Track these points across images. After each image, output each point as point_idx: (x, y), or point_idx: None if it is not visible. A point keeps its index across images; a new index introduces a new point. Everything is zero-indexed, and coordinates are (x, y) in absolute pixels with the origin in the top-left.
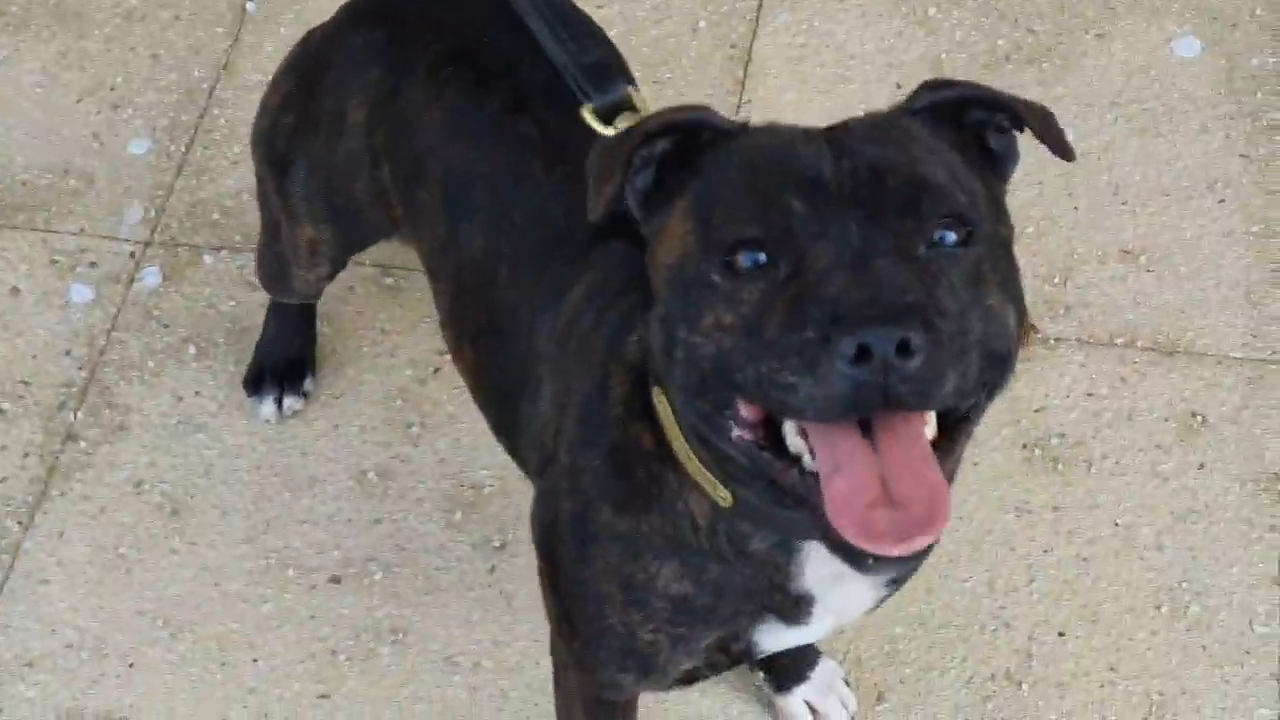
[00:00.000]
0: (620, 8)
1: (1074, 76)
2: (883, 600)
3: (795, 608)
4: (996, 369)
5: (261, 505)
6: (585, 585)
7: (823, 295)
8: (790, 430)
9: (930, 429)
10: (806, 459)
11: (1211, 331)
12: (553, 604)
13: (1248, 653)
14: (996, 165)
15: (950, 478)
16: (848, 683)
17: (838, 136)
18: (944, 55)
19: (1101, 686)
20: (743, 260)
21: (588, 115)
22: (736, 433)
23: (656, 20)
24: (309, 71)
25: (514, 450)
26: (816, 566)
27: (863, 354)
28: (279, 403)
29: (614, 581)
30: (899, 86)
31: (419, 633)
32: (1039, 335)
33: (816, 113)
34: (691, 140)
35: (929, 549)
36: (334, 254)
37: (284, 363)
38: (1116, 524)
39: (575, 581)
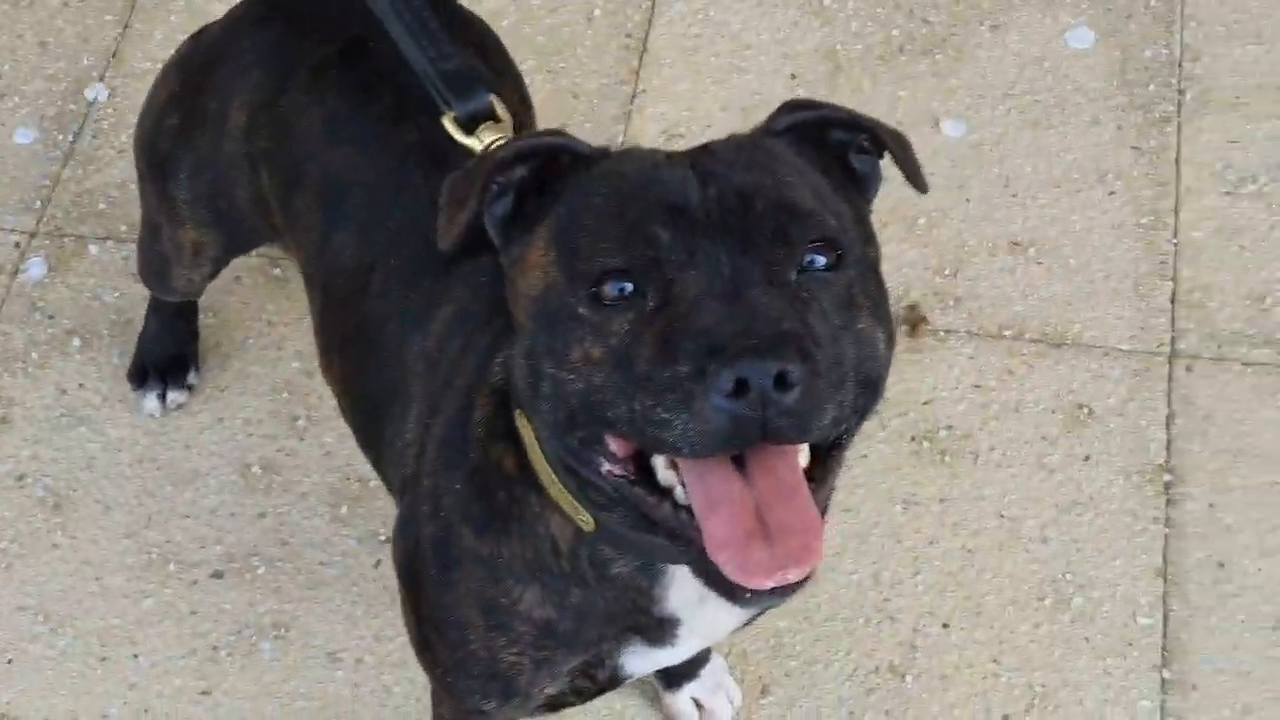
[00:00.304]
0: None
1: (968, 68)
2: (753, 619)
3: (660, 630)
4: (869, 394)
5: (144, 499)
6: (448, 610)
7: (695, 327)
8: (660, 463)
9: (804, 457)
10: (679, 491)
11: (1099, 324)
12: (415, 630)
13: (1130, 644)
14: (860, 186)
15: (824, 505)
16: (734, 678)
17: (702, 161)
18: (839, 46)
19: (985, 678)
20: (609, 290)
21: (448, 124)
22: (606, 468)
23: (551, 9)
24: (195, 71)
25: (378, 464)
26: (681, 589)
27: (740, 387)
28: (163, 397)
29: (476, 606)
30: (794, 77)
31: (301, 628)
32: (929, 327)
33: (711, 103)
34: (551, 166)
35: (804, 582)
36: (216, 255)
37: (166, 358)
38: (1002, 516)
39: (437, 606)
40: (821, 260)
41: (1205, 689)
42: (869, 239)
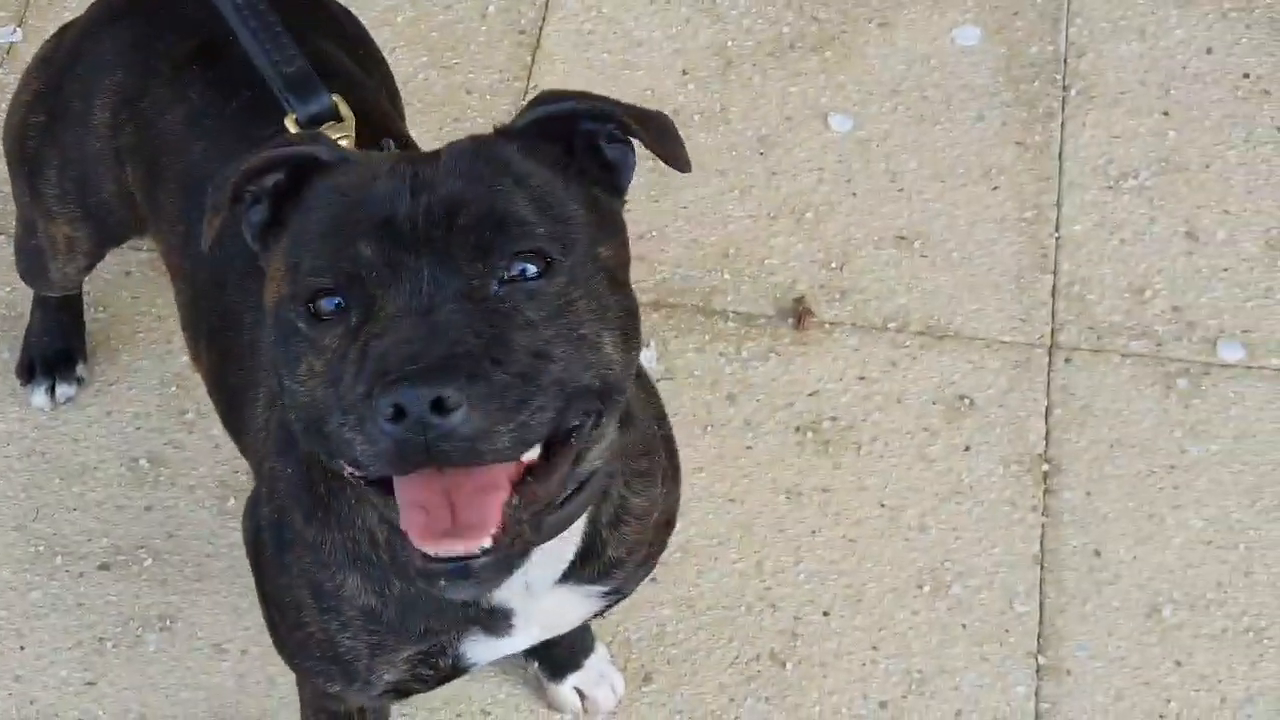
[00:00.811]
0: None
1: (856, 64)
2: (602, 611)
3: (494, 621)
4: (589, 399)
5: (32, 492)
6: (284, 591)
7: (377, 348)
8: None
9: (532, 450)
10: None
11: (981, 316)
12: (262, 609)
13: (1007, 631)
14: (613, 175)
15: (556, 492)
16: (617, 666)
17: (424, 169)
18: (730, 43)
19: (863, 665)
20: (324, 305)
21: (290, 125)
22: (347, 470)
23: (445, 5)
24: (58, 69)
25: (243, 451)
26: None
27: (399, 413)
28: (51, 391)
29: (307, 589)
30: (685, 73)
31: (187, 620)
32: (815, 320)
33: None
34: (306, 172)
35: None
36: (89, 249)
37: (53, 352)
38: (883, 505)
39: (276, 587)
40: (531, 269)
41: (1079, 675)
42: (608, 238)
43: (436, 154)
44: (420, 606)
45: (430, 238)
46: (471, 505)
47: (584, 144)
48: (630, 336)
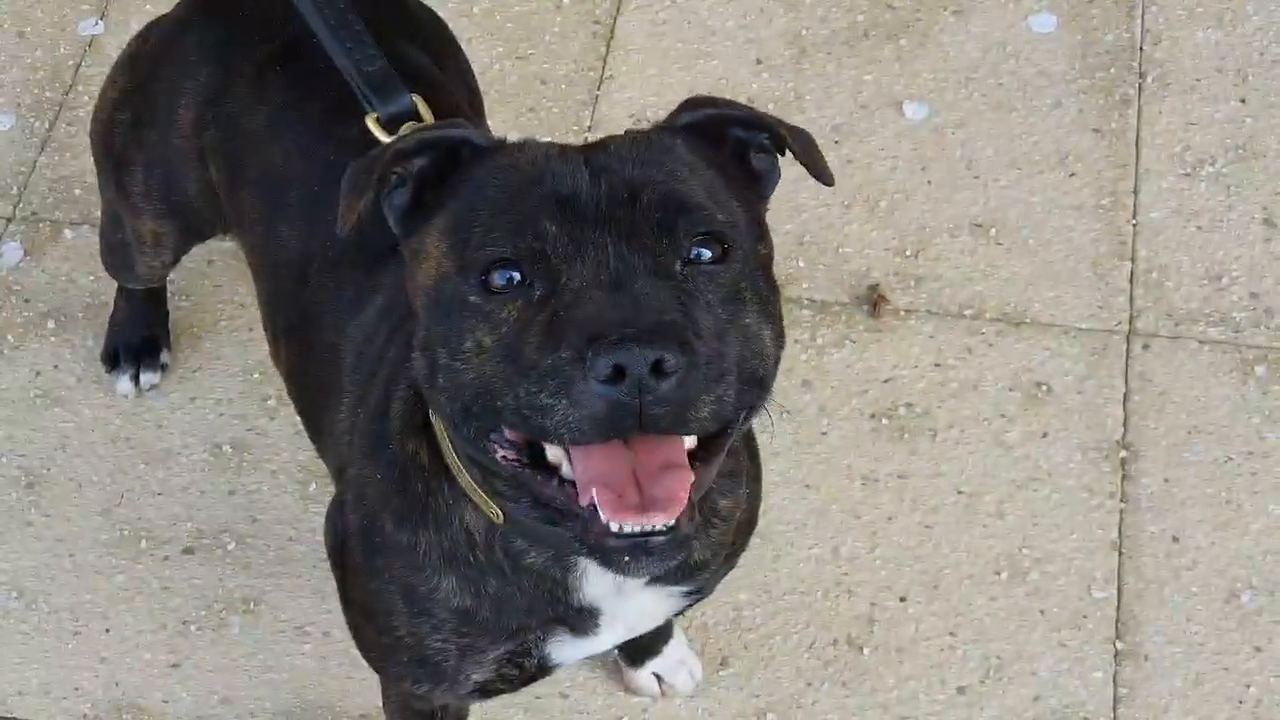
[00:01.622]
0: None
1: (931, 52)
2: (683, 610)
3: (582, 620)
4: (753, 391)
5: (117, 478)
6: (373, 596)
7: (577, 315)
8: (550, 446)
9: (690, 441)
10: (565, 468)
11: (1058, 303)
12: (346, 615)
13: (1085, 616)
14: (758, 185)
15: (710, 481)
16: (695, 651)
17: (596, 155)
18: (804, 31)
19: (941, 650)
20: (498, 279)
21: (371, 124)
22: (501, 453)
23: None
24: (143, 69)
25: (321, 451)
26: (596, 580)
27: (618, 374)
28: (136, 379)
29: (399, 593)
30: (759, 62)
31: (270, 603)
32: (890, 307)
33: (677, 88)
34: (451, 158)
35: (671, 547)
36: (175, 244)
37: (137, 340)
38: (960, 492)
39: (364, 592)
40: (708, 254)
41: (1157, 660)
42: (761, 237)
43: (603, 143)
44: (514, 605)
45: (615, 217)
46: (659, 483)
47: (732, 151)
48: (781, 335)
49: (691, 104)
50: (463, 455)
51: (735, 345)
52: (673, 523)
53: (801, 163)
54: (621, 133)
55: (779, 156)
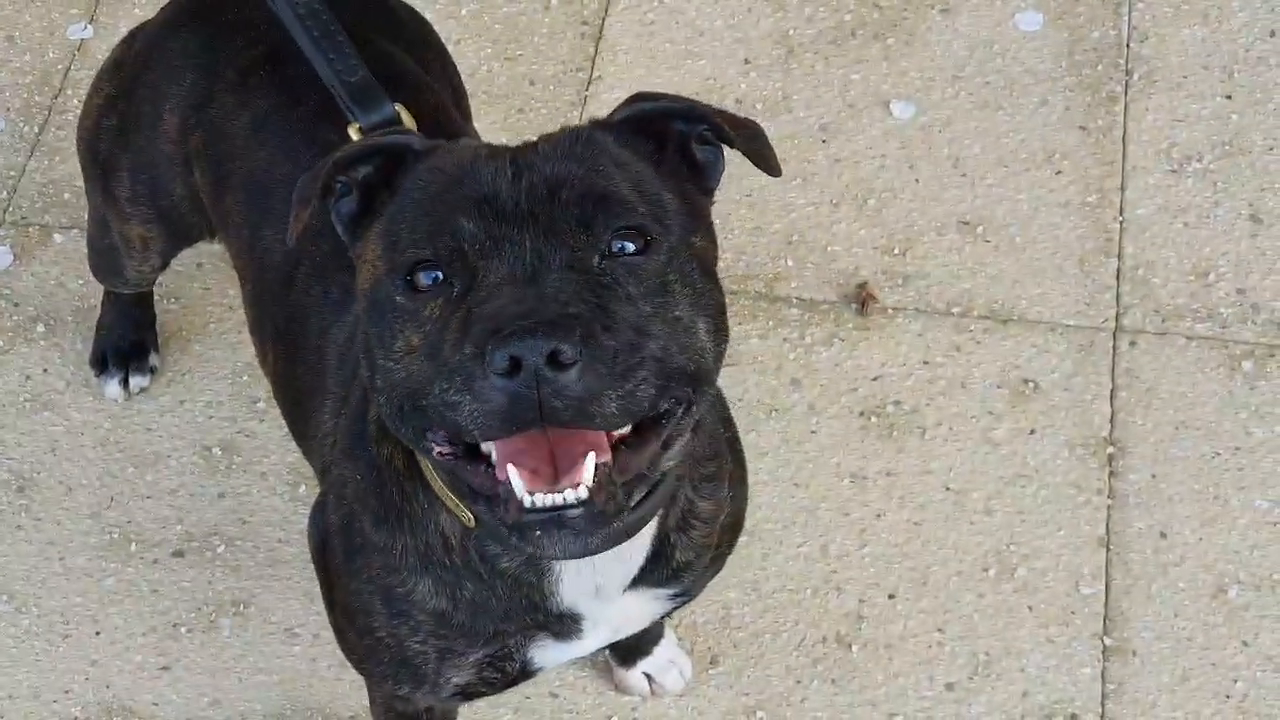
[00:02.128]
0: None
1: (918, 51)
2: (669, 613)
3: (563, 625)
4: (683, 382)
5: (106, 481)
6: (353, 597)
7: (484, 311)
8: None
9: (625, 428)
10: (493, 455)
11: (1045, 300)
12: (330, 615)
13: (1073, 613)
14: (702, 177)
15: (642, 467)
16: (685, 650)
17: (523, 154)
18: (792, 30)
19: (929, 647)
20: (423, 279)
21: (354, 135)
22: (437, 449)
23: None
24: (129, 74)
25: (306, 454)
26: (572, 584)
27: (515, 366)
28: (125, 382)
29: (377, 594)
30: (747, 62)
31: (260, 605)
32: (878, 305)
33: (665, 88)
34: (397, 163)
35: (590, 521)
36: (163, 248)
37: (126, 344)
38: (948, 489)
39: (344, 592)
40: (630, 246)
41: (1145, 656)
42: (698, 230)
43: (534, 143)
44: (491, 610)
45: (533, 213)
46: (572, 459)
47: (675, 144)
48: (720, 328)
49: (630, 100)
50: (433, 461)
51: (660, 338)
52: (585, 495)
53: (744, 154)
54: (559, 129)
55: (722, 148)
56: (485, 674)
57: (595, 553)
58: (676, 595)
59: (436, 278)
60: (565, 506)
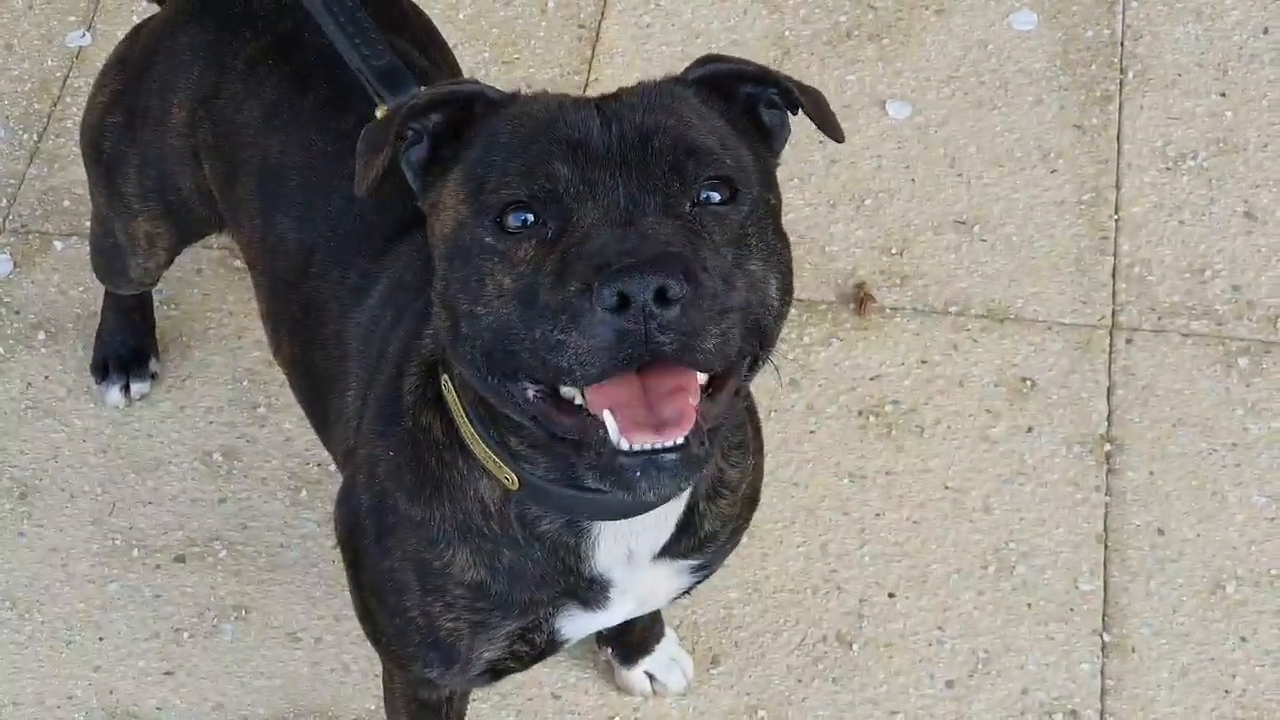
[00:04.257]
0: None
1: (913, 51)
2: (689, 588)
3: (591, 591)
4: (755, 338)
5: (108, 487)
6: (385, 576)
7: (586, 250)
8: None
9: (701, 376)
10: (580, 399)
11: (1042, 298)
12: (357, 599)
13: (1071, 610)
14: (768, 139)
15: (720, 416)
16: (686, 650)
17: (608, 103)
18: (787, 32)
19: (929, 645)
20: (512, 220)
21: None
22: (530, 391)
23: (505, 1)
24: (135, 69)
25: (326, 442)
26: (608, 548)
27: (623, 301)
28: (126, 389)
29: (411, 570)
30: None
31: (262, 609)
32: (876, 305)
33: None
34: (465, 114)
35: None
36: (169, 244)
37: (126, 351)
38: (947, 487)
39: (375, 573)
40: (717, 196)
41: (1144, 652)
42: (770, 186)
43: (616, 93)
44: (527, 577)
45: (626, 160)
46: (667, 402)
47: (744, 106)
48: (788, 288)
49: (703, 60)
50: (479, 420)
51: (740, 289)
52: (682, 440)
53: (811, 118)
54: (639, 82)
55: (789, 115)
56: (516, 647)
57: (634, 510)
58: (699, 568)
59: (527, 220)
60: (662, 450)
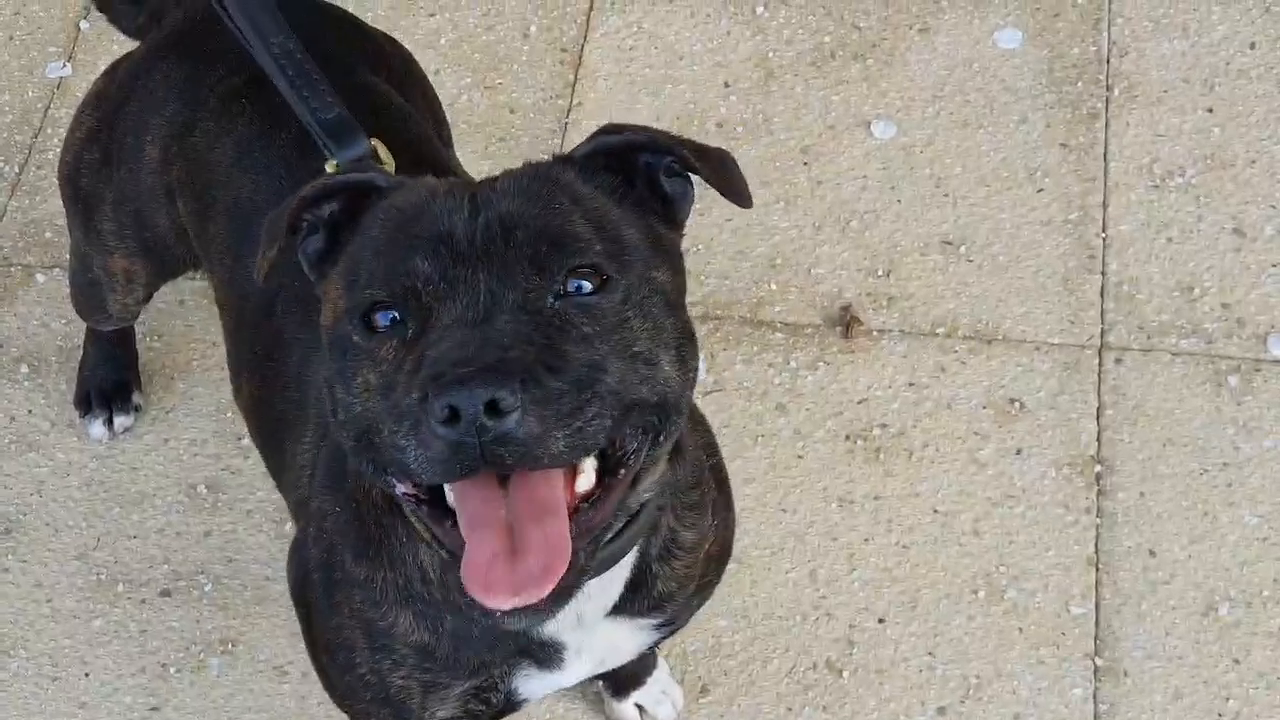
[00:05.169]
0: (451, 15)
1: (898, 71)
2: (655, 643)
3: (545, 653)
4: (646, 413)
5: (93, 521)
6: (334, 633)
7: (431, 355)
8: (447, 486)
9: (587, 478)
10: (450, 500)
11: (1030, 319)
12: (311, 654)
13: (1063, 633)
14: (670, 209)
15: (606, 520)
16: (675, 679)
17: (482, 191)
18: (771, 54)
19: (920, 671)
20: (379, 319)
21: (330, 169)
22: (400, 489)
23: (488, 26)
24: (110, 107)
25: (280, 487)
26: None
27: (454, 415)
28: (109, 422)
29: (359, 629)
30: (727, 86)
31: (248, 643)
32: (862, 328)
33: (646, 114)
34: (363, 200)
35: (555, 602)
36: (147, 280)
37: (109, 384)
38: (936, 511)
39: (325, 629)
40: (586, 285)
41: (1137, 675)
42: (660, 263)
43: (494, 179)
44: (472, 641)
45: (488, 253)
46: (532, 550)
47: (643, 177)
48: (687, 359)
49: (597, 133)
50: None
51: (619, 374)
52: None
53: (711, 184)
54: (522, 164)
55: (690, 180)
56: (470, 706)
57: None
58: (661, 625)
59: (394, 318)
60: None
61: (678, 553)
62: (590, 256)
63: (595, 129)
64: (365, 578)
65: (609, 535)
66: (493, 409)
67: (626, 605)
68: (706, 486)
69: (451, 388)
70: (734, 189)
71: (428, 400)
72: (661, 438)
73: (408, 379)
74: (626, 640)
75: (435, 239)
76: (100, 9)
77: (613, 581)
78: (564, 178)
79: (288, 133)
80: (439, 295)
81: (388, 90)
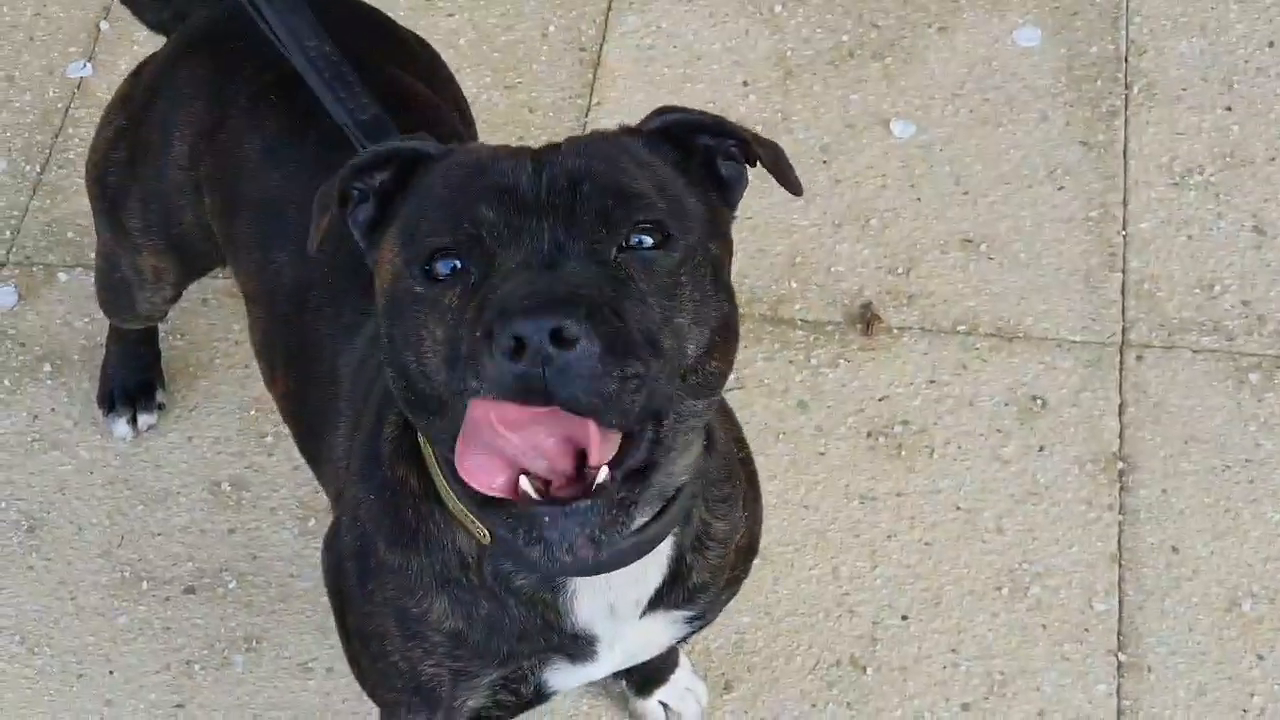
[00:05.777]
0: (470, 15)
1: (917, 69)
2: (684, 638)
3: (576, 645)
4: (677, 385)
5: (117, 519)
6: (367, 620)
7: (495, 297)
8: None
9: (610, 447)
10: None
11: (1051, 316)
12: (344, 643)
13: (1087, 630)
14: (725, 192)
15: (639, 463)
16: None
17: (545, 152)
18: (789, 52)
19: (944, 668)
20: (440, 267)
21: None
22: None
23: (506, 26)
24: (138, 106)
25: (319, 478)
26: (587, 603)
27: (520, 346)
28: (133, 420)
29: (392, 616)
30: (746, 85)
31: (273, 640)
32: (883, 325)
33: None
34: (411, 170)
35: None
36: (176, 279)
37: (133, 383)
38: (958, 508)
39: (359, 616)
40: (648, 240)
41: (1160, 671)
42: (715, 237)
43: (556, 144)
44: (505, 630)
45: (553, 204)
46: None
47: (701, 158)
48: (724, 343)
49: (660, 111)
50: (450, 476)
51: (667, 339)
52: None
53: (768, 170)
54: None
55: (748, 167)
56: (500, 696)
57: (605, 567)
58: (692, 619)
59: (455, 266)
60: (569, 500)
61: (710, 544)
62: (655, 212)
63: (621, 124)
64: (399, 565)
65: (641, 492)
66: (557, 338)
67: (661, 597)
68: (737, 479)
69: (517, 318)
70: (788, 177)
71: (492, 336)
72: (687, 419)
73: (471, 324)
74: (660, 633)
75: (500, 190)
76: (124, 1)
77: (649, 573)
78: (628, 143)
79: (317, 129)
80: (503, 242)
81: (416, 85)
